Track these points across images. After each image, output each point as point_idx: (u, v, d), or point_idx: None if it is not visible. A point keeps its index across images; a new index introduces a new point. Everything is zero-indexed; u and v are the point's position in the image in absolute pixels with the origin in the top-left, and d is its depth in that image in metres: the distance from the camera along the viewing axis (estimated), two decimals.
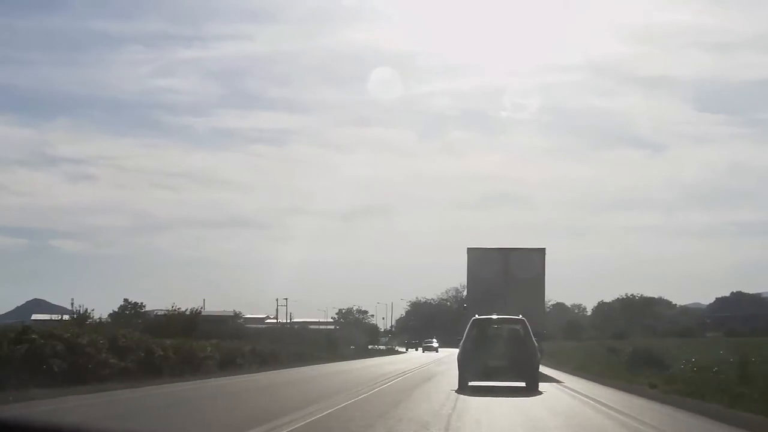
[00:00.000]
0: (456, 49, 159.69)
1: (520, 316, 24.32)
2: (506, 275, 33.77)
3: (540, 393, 21.33)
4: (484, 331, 24.11)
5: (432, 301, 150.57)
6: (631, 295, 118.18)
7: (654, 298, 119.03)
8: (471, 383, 22.83)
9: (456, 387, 22.69)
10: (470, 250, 35.50)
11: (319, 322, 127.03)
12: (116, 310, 65.64)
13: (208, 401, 19.35)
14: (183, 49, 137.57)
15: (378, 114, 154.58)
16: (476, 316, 24.18)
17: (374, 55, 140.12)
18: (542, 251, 35.36)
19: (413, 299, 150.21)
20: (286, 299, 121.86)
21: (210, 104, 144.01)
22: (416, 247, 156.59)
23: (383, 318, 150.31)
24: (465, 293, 36.26)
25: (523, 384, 22.68)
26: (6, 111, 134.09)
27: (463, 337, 23.44)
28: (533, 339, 22.76)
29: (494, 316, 25.01)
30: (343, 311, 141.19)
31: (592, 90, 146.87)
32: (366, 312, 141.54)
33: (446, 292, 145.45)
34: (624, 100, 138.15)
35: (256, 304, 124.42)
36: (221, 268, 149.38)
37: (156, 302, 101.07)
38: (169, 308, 44.38)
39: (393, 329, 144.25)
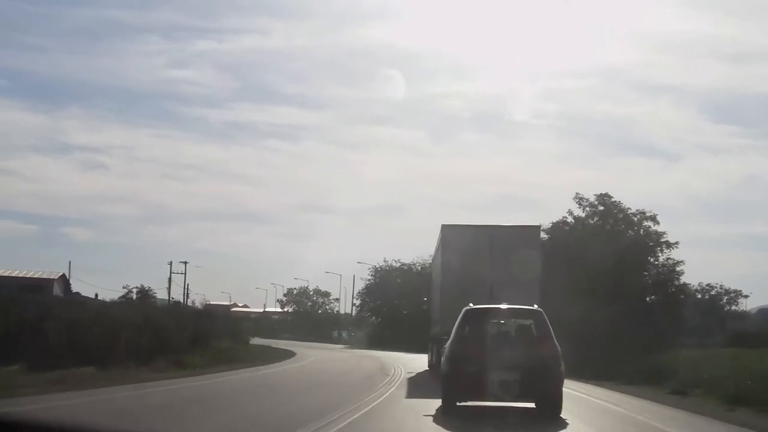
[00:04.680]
0: (470, 52, 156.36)
1: (535, 306, 16.82)
2: (491, 260, 26.21)
3: (564, 425, 14.03)
4: (481, 327, 16.43)
5: (414, 266, 77.90)
6: (708, 285, 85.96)
7: (739, 290, 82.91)
8: (461, 404, 15.43)
9: (433, 411, 15.28)
10: (445, 228, 27.90)
11: (266, 312, 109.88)
12: None
13: None
14: (198, 41, 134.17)
15: (391, 113, 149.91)
16: (470, 305, 16.42)
17: (389, 54, 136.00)
18: (536, 229, 27.93)
19: (380, 263, 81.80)
20: (185, 263, 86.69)
21: (224, 97, 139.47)
22: (422, 248, 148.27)
23: (354, 304, 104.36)
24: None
25: (533, 405, 15.38)
26: (19, 97, 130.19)
27: (450, 336, 15.85)
28: (555, 341, 15.22)
29: (496, 306, 17.38)
30: (294, 292, 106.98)
31: (606, 97, 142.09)
32: (328, 294, 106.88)
33: (430, 257, 72.13)
34: (638, 109, 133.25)
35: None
36: (228, 261, 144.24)
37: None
38: None
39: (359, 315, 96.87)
